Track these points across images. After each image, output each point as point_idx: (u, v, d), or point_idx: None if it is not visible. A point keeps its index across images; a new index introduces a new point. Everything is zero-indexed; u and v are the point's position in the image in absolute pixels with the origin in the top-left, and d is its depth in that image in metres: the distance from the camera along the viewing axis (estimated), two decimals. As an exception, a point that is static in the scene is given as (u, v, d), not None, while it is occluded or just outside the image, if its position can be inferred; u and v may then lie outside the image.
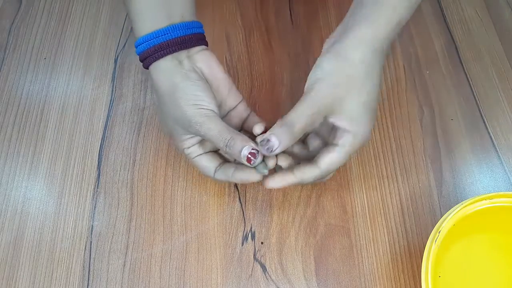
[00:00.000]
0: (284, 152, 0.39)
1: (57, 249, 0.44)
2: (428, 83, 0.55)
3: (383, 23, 0.37)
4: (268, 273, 0.43)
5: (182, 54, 0.40)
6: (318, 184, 0.47)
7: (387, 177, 0.48)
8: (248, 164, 0.38)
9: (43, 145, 0.50)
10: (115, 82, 0.55)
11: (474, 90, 0.54)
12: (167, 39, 0.39)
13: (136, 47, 0.40)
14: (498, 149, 0.50)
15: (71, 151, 0.50)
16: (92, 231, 0.45)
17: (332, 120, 0.37)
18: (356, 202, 0.47)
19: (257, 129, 0.39)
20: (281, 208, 0.46)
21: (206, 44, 0.43)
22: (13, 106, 0.53)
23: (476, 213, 0.40)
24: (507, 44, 0.58)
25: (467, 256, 0.42)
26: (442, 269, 0.41)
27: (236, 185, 0.48)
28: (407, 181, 0.48)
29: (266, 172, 0.39)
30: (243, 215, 0.46)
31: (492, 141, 0.51)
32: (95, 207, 0.47)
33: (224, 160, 0.43)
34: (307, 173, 0.38)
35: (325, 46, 0.39)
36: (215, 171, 0.41)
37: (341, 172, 0.48)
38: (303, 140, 0.43)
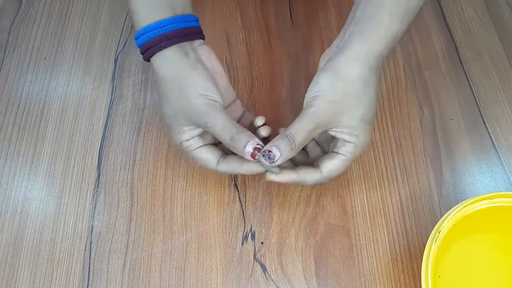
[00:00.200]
0: None
1: (57, 249, 0.44)
2: (428, 83, 0.55)
3: (377, 39, 0.37)
4: (268, 273, 0.43)
5: (187, 46, 0.40)
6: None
7: (387, 177, 0.48)
8: (252, 159, 0.38)
9: (43, 145, 0.50)
10: (115, 82, 0.55)
11: (474, 90, 0.54)
12: (173, 29, 0.39)
13: (138, 37, 0.40)
14: (498, 149, 0.50)
15: (71, 151, 0.50)
16: (92, 231, 0.45)
17: (332, 133, 0.39)
18: (356, 202, 0.47)
19: (259, 121, 0.42)
20: (281, 208, 0.46)
21: (204, 38, 0.43)
22: (13, 106, 0.53)
23: (476, 213, 0.40)
24: (507, 44, 0.58)
25: (467, 256, 0.42)
26: (442, 269, 0.41)
27: (236, 185, 0.48)
28: (407, 181, 0.48)
29: (278, 171, 0.39)
30: (243, 215, 0.46)
31: (492, 141, 0.51)
32: (95, 207, 0.47)
33: (225, 153, 0.43)
34: (309, 175, 0.40)
35: (321, 62, 0.40)
36: (217, 163, 0.41)
37: (341, 172, 0.48)
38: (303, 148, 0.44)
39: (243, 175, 0.48)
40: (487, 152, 0.50)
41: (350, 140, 0.38)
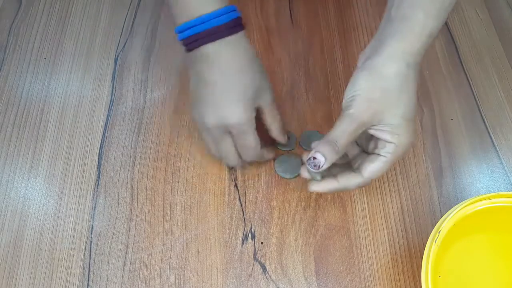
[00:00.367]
0: None
1: (57, 249, 0.44)
2: (428, 83, 0.55)
3: (413, 38, 0.37)
4: (268, 273, 0.43)
5: None
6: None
7: (387, 177, 0.48)
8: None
9: (43, 145, 0.50)
10: (115, 82, 0.55)
11: (474, 90, 0.54)
12: (236, 16, 0.42)
13: (201, 23, 0.40)
14: (498, 149, 0.50)
15: (71, 151, 0.50)
16: (92, 231, 0.45)
17: (373, 132, 0.38)
18: (356, 202, 0.47)
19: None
20: (281, 208, 0.46)
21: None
22: (13, 106, 0.53)
23: (476, 213, 0.40)
24: (507, 44, 0.58)
25: (467, 256, 0.42)
26: (442, 269, 0.41)
27: (236, 185, 0.48)
28: (407, 181, 0.48)
29: (319, 178, 0.40)
30: (243, 215, 0.46)
31: (492, 141, 0.51)
32: (95, 207, 0.47)
33: None
34: (350, 180, 0.39)
35: (359, 63, 0.40)
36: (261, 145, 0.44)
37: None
38: None
39: (244, 176, 0.48)
40: (487, 152, 0.50)
41: (391, 140, 0.37)
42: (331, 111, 0.52)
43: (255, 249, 0.44)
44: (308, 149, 0.44)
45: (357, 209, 0.46)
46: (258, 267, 0.43)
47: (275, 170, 0.48)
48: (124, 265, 0.43)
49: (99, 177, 0.48)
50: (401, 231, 0.45)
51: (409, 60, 0.37)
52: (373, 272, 0.43)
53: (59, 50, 0.57)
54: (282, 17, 0.60)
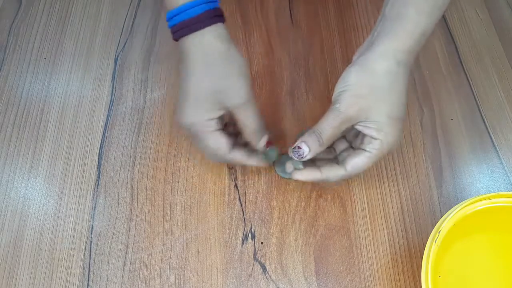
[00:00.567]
0: None
1: (57, 249, 0.44)
2: (428, 83, 0.55)
3: (405, 36, 0.37)
4: (268, 273, 0.43)
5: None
6: (318, 184, 0.47)
7: (387, 177, 0.48)
8: (264, 150, 0.43)
9: (43, 145, 0.50)
10: (115, 82, 0.55)
11: (474, 90, 0.54)
12: (217, 7, 0.39)
13: (180, 12, 0.39)
14: (498, 149, 0.50)
15: (71, 151, 0.50)
16: (92, 231, 0.45)
17: (360, 128, 0.39)
18: (356, 202, 0.47)
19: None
20: (281, 208, 0.46)
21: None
22: (13, 106, 0.53)
23: (476, 213, 0.40)
24: (507, 44, 0.58)
25: (467, 256, 0.42)
26: (442, 269, 0.41)
27: (236, 185, 0.48)
28: (407, 181, 0.48)
29: (301, 167, 0.41)
30: (243, 215, 0.46)
31: (492, 141, 0.51)
32: (95, 207, 0.47)
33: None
34: (333, 172, 0.40)
35: (354, 57, 0.41)
36: (230, 149, 0.41)
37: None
38: (330, 146, 0.44)
39: (244, 176, 0.48)
40: (487, 152, 0.50)
41: (377, 136, 0.38)
42: (331, 111, 0.52)
43: (255, 249, 0.44)
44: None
45: (357, 209, 0.46)
46: (258, 267, 0.43)
47: (275, 170, 0.48)
48: (124, 265, 0.43)
49: (99, 177, 0.48)
50: (401, 231, 0.45)
51: (400, 58, 0.37)
52: (373, 272, 0.43)
53: (59, 50, 0.57)
54: (282, 17, 0.60)
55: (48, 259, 0.44)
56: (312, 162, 0.42)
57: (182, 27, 0.39)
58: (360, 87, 0.37)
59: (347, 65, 0.38)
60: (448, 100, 0.53)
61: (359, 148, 0.40)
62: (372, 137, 0.38)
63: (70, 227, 0.46)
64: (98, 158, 0.49)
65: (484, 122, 0.52)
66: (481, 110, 0.53)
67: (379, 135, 0.38)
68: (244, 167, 0.49)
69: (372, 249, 0.44)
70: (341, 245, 0.45)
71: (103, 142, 0.50)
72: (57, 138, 0.51)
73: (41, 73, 0.56)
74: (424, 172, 0.49)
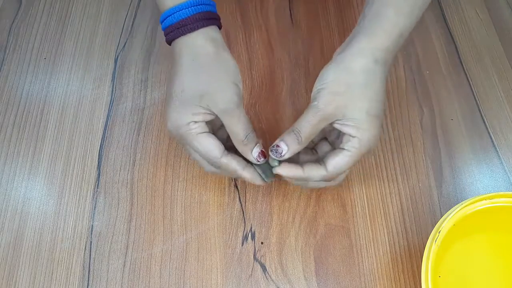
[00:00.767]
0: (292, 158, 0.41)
1: (57, 249, 0.44)
2: (428, 83, 0.55)
3: (383, 35, 0.38)
4: (268, 273, 0.43)
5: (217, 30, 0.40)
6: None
7: (387, 177, 0.48)
8: (256, 162, 0.40)
9: (43, 145, 0.50)
10: (115, 82, 0.55)
11: (474, 90, 0.54)
12: (212, 10, 0.39)
13: (173, 13, 0.38)
14: (498, 149, 0.50)
15: (71, 151, 0.50)
16: (92, 231, 0.45)
17: (338, 126, 0.39)
18: (356, 202, 0.47)
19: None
20: (281, 208, 0.46)
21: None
22: (13, 106, 0.53)
23: (476, 213, 0.40)
24: (507, 44, 0.58)
25: (467, 256, 0.42)
26: (442, 269, 0.41)
27: (236, 185, 0.48)
28: (407, 181, 0.48)
29: (277, 164, 0.40)
30: (243, 215, 0.46)
31: (492, 141, 0.51)
32: (95, 207, 0.47)
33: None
34: (314, 171, 0.39)
35: (333, 56, 0.41)
36: (222, 153, 0.39)
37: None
38: (312, 148, 0.44)
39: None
40: (487, 152, 0.50)
41: (355, 134, 0.38)
42: (331, 111, 0.52)
43: (255, 249, 0.44)
44: None
45: (357, 209, 0.46)
46: (258, 267, 0.43)
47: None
48: (124, 265, 0.43)
49: (99, 177, 0.48)
50: (401, 231, 0.45)
51: (378, 57, 0.37)
52: (373, 272, 0.43)
53: (59, 50, 0.57)
54: (282, 17, 0.60)
55: (48, 259, 0.44)
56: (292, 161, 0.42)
57: (173, 30, 0.39)
58: (338, 84, 0.37)
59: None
60: (448, 100, 0.53)
61: (338, 148, 0.39)
62: (350, 135, 0.38)
63: (70, 227, 0.46)
64: (98, 158, 0.49)
65: (484, 122, 0.52)
66: (481, 110, 0.53)
67: (357, 132, 0.38)
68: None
69: (372, 249, 0.44)
70: (341, 245, 0.45)
71: (103, 142, 0.50)
72: (57, 138, 0.51)
73: (41, 73, 0.56)
74: (424, 172, 0.49)
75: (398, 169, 0.49)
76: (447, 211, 0.39)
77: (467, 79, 0.55)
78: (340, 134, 0.41)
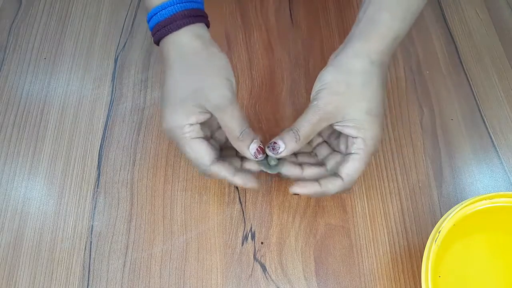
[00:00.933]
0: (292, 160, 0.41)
1: (57, 249, 0.44)
2: (428, 83, 0.55)
3: (378, 39, 0.38)
4: (268, 273, 0.43)
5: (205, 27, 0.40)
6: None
7: (387, 177, 0.48)
8: (254, 159, 0.39)
9: (43, 145, 0.50)
10: (115, 82, 0.55)
11: (474, 90, 0.54)
12: (199, 7, 0.39)
13: (159, 11, 0.38)
14: (498, 149, 0.50)
15: (71, 151, 0.50)
16: (92, 231, 0.45)
17: (338, 128, 0.39)
18: (356, 202, 0.47)
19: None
20: (281, 208, 0.46)
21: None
22: (13, 106, 0.53)
23: (476, 213, 0.40)
24: (507, 44, 0.58)
25: (467, 256, 0.42)
26: (442, 269, 0.41)
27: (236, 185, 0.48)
28: (407, 181, 0.48)
29: (275, 162, 0.40)
30: (243, 215, 0.46)
31: (492, 141, 0.51)
32: (95, 207, 0.47)
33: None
34: (331, 183, 0.39)
35: (329, 60, 0.41)
36: (212, 161, 0.38)
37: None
38: (309, 152, 0.44)
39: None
40: (487, 152, 0.50)
41: (357, 134, 0.38)
42: (331, 111, 0.52)
43: (255, 249, 0.44)
44: None
45: (357, 209, 0.46)
46: (258, 267, 0.43)
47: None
48: (124, 265, 0.43)
49: (99, 177, 0.48)
50: (401, 231, 0.45)
51: (374, 58, 0.38)
52: (373, 272, 0.43)
53: (59, 50, 0.57)
54: (282, 17, 0.60)
55: (48, 259, 0.44)
56: (290, 158, 0.42)
57: (159, 29, 0.38)
58: (337, 84, 0.38)
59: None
60: (448, 100, 0.54)
61: (346, 154, 0.40)
62: (352, 136, 0.38)
63: (70, 227, 0.46)
64: (98, 158, 0.49)
65: (484, 122, 0.52)
66: (481, 110, 0.53)
67: (359, 133, 0.38)
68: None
69: (372, 249, 0.44)
70: (341, 245, 0.45)
71: (103, 142, 0.50)
72: (57, 138, 0.51)
73: (41, 73, 0.56)
74: (424, 172, 0.49)
75: (398, 169, 0.49)
76: (447, 211, 0.39)
77: (467, 79, 0.55)
78: (339, 137, 0.41)
